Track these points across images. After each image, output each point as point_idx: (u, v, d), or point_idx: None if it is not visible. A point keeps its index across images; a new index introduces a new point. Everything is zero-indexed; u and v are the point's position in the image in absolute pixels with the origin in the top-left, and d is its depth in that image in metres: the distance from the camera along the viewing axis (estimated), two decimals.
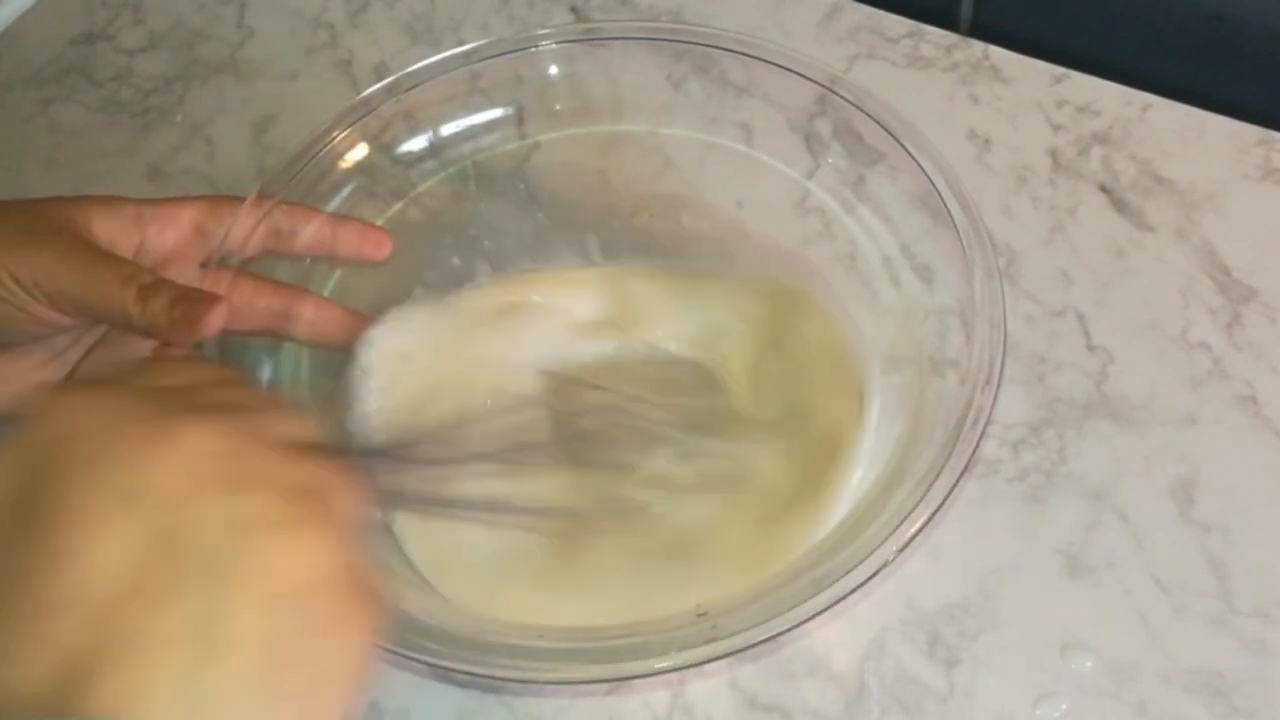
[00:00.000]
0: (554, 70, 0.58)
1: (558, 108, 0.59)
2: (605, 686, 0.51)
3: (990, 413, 0.46)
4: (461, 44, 0.57)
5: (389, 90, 0.57)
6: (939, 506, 0.44)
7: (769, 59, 0.56)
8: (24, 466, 0.31)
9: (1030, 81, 0.67)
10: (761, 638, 0.43)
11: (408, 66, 0.57)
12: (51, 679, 0.29)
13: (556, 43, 0.58)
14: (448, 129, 0.58)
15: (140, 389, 0.34)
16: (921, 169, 0.52)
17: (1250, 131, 0.64)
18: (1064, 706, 0.49)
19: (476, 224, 0.60)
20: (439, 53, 0.57)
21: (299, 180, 0.54)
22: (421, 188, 0.58)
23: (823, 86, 0.55)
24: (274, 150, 0.68)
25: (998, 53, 0.68)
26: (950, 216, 0.51)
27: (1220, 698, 0.49)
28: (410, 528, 0.53)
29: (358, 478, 0.36)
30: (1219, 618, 0.51)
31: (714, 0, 0.72)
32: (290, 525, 0.32)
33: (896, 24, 0.70)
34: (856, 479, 0.52)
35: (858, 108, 0.54)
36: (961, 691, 0.50)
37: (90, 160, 0.68)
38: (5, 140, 0.70)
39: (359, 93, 0.56)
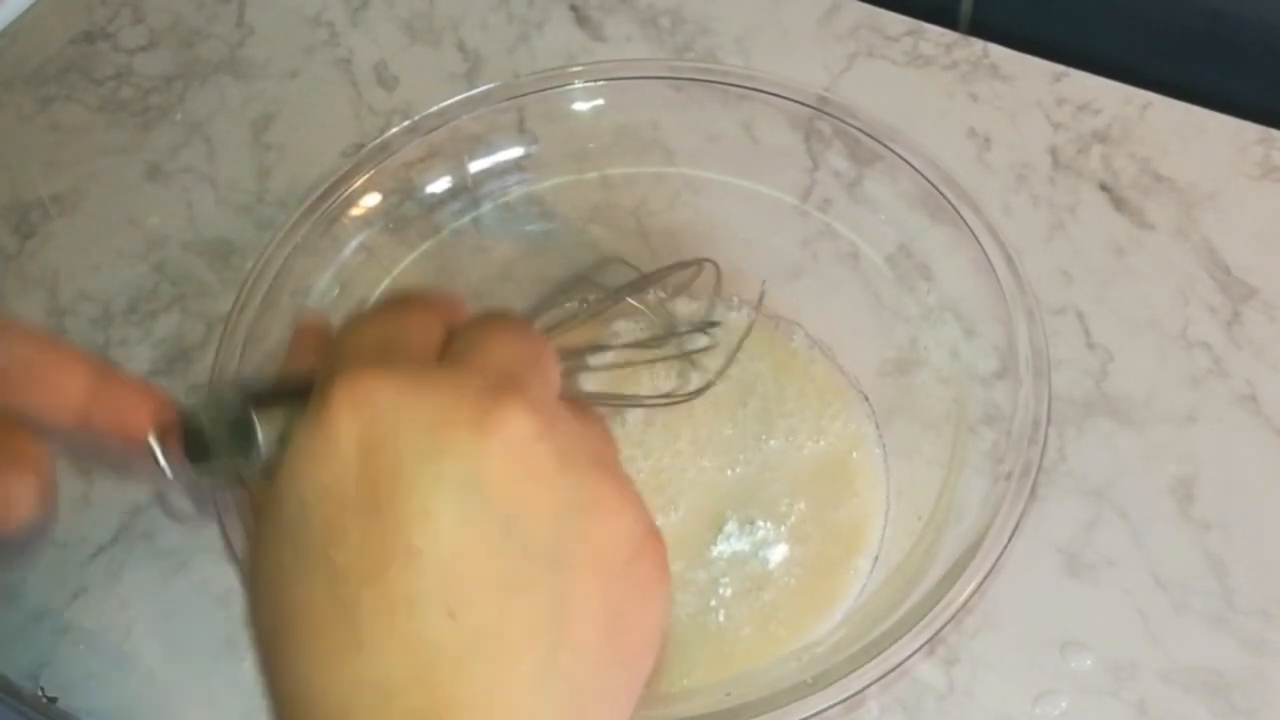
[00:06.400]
0: (571, 106, 0.58)
1: (576, 146, 0.58)
2: None
3: (1040, 465, 0.46)
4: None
5: (409, 131, 0.55)
6: (992, 567, 0.44)
7: (759, 88, 0.55)
8: (350, 458, 0.31)
9: (1030, 80, 0.67)
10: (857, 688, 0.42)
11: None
12: (407, 670, 0.30)
13: (572, 84, 0.57)
14: (466, 169, 0.57)
15: (435, 372, 0.34)
16: (925, 178, 0.52)
17: (1250, 130, 0.64)
18: (1063, 705, 0.49)
19: (493, 264, 0.59)
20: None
21: (319, 222, 0.54)
22: (446, 230, 0.57)
23: (811, 108, 0.55)
24: (274, 149, 0.67)
25: (997, 51, 0.68)
26: (964, 218, 0.51)
27: (1220, 696, 0.49)
28: None
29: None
30: (1219, 616, 0.51)
31: None
32: (606, 502, 0.33)
33: (896, 22, 0.70)
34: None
35: (853, 126, 0.54)
36: (961, 690, 0.50)
37: (90, 159, 0.68)
38: (5, 139, 0.70)
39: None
